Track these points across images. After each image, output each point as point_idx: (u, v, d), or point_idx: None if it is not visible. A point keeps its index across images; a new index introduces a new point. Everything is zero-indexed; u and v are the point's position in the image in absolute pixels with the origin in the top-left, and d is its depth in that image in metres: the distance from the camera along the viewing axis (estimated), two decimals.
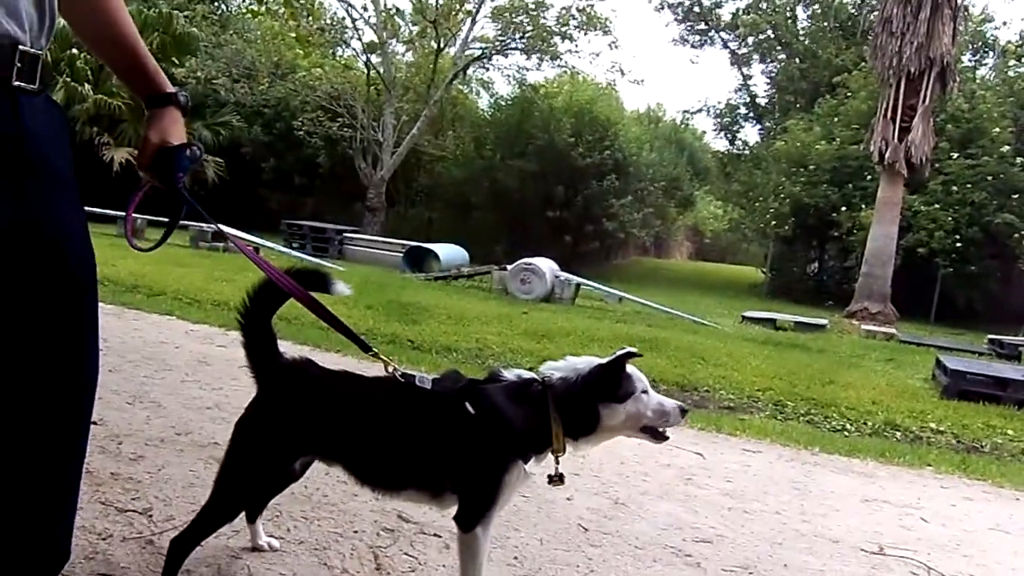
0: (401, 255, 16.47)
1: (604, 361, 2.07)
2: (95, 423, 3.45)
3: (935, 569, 3.09)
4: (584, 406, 2.04)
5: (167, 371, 4.79)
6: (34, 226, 1.50)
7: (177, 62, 21.79)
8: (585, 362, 2.10)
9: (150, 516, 2.66)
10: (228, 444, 2.09)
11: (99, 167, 17.42)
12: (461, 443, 2.00)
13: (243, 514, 2.39)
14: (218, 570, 2.35)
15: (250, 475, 2.09)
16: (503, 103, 26.14)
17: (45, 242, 1.52)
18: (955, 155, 18.22)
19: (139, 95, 1.82)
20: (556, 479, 2.14)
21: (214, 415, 3.93)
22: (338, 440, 2.10)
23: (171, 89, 1.82)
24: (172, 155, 1.79)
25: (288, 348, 2.47)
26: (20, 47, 1.44)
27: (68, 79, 18.87)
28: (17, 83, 1.45)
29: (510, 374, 2.14)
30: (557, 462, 2.11)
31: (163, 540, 2.34)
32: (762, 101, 32.41)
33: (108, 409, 3.78)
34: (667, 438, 2.16)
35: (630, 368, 2.07)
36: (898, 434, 5.86)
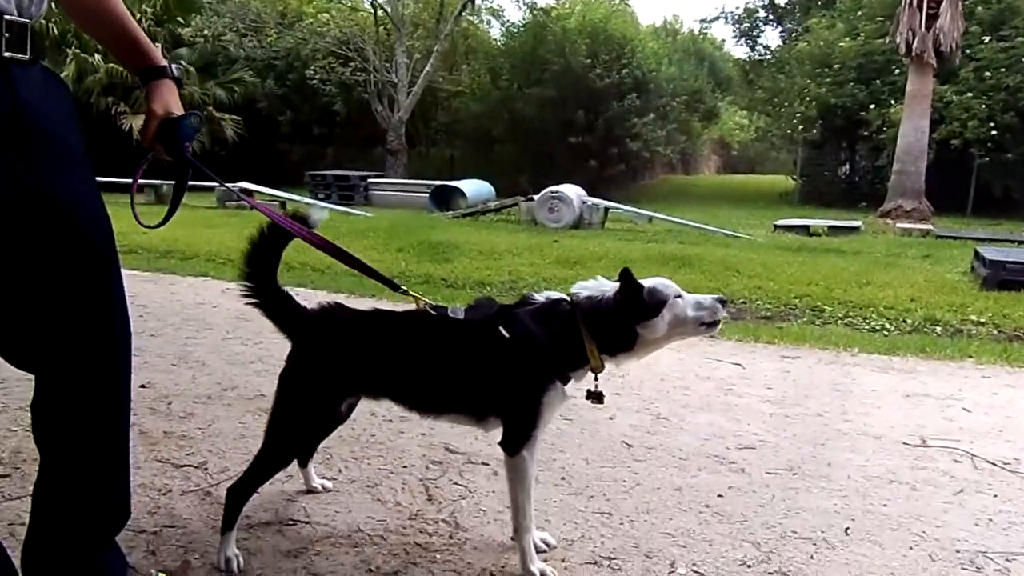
0: (427, 195, 16.47)
1: (620, 285, 2.05)
2: (143, 387, 3.58)
3: (978, 456, 3.11)
4: (618, 325, 2.04)
5: (208, 330, 4.90)
6: (48, 200, 1.53)
7: (183, 21, 21.64)
8: (614, 285, 2.08)
9: (205, 469, 2.76)
10: (275, 396, 2.14)
11: (119, 136, 17.48)
12: (498, 368, 2.03)
13: (295, 460, 2.47)
14: (276, 514, 2.44)
15: (300, 423, 2.15)
16: (515, 30, 25.58)
17: (60, 215, 1.55)
18: (986, 39, 17.45)
19: (132, 71, 1.83)
20: (595, 396, 2.16)
21: (258, 368, 4.03)
22: (380, 376, 2.15)
23: (164, 62, 1.84)
24: (176, 125, 1.82)
25: (323, 297, 2.51)
26: (6, 16, 1.44)
27: (77, 51, 18.83)
28: (7, 53, 1.44)
29: (540, 297, 2.15)
30: (596, 379, 2.13)
31: (220, 491, 2.43)
32: (781, 1, 31.30)
33: (154, 372, 3.89)
34: (718, 322, 2.12)
35: (654, 281, 2.06)
36: (938, 329, 5.81)
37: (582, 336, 2.04)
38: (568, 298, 2.11)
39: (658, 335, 2.06)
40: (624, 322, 2.03)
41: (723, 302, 2.11)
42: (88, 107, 18.24)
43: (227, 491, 2.15)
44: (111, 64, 18.33)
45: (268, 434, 2.15)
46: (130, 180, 1.95)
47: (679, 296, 2.07)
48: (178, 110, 1.83)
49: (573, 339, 2.04)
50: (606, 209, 13.51)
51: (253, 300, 2.15)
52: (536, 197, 13.22)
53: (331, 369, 2.11)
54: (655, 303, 2.03)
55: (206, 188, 13.71)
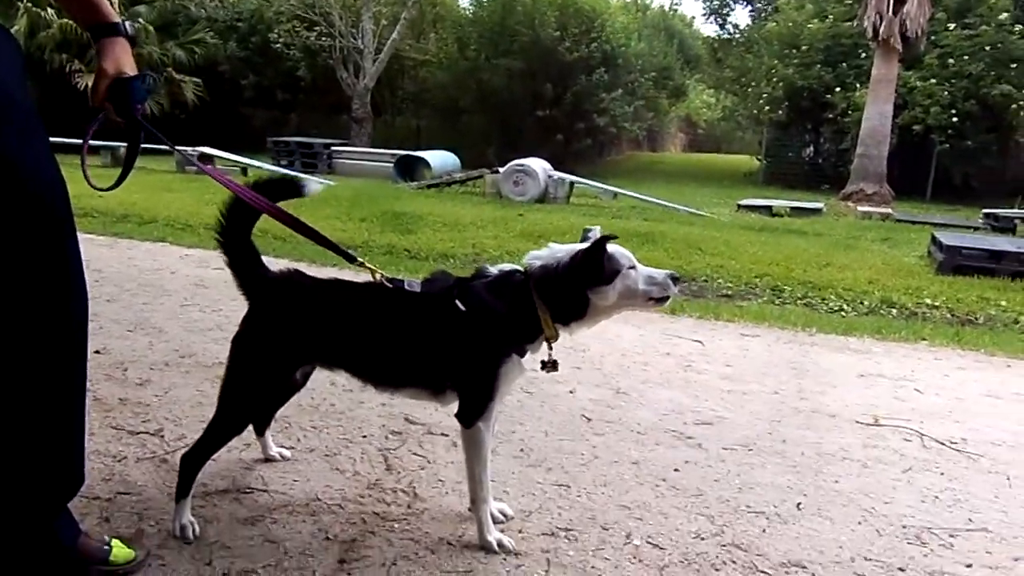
0: (392, 165, 16.29)
1: (583, 247, 2.05)
2: (98, 352, 3.51)
3: (927, 435, 3.20)
4: (570, 291, 2.04)
5: (165, 296, 4.81)
6: (9, 167, 1.48)
7: None
8: (567, 249, 2.08)
9: (161, 436, 2.73)
10: (228, 361, 2.12)
11: (73, 95, 16.96)
12: (454, 341, 2.03)
13: (251, 428, 2.45)
14: (233, 481, 2.42)
15: (252, 388, 2.13)
16: (484, 0, 25.28)
17: (21, 182, 1.51)
18: (952, 26, 17.66)
19: (83, 26, 1.78)
20: (549, 365, 2.16)
21: (216, 336, 3.97)
22: (335, 346, 2.13)
23: (117, 19, 1.78)
24: (128, 85, 1.77)
25: (285, 265, 2.47)
26: None
27: (29, 4, 18.18)
28: None
29: (494, 269, 2.14)
30: (550, 348, 2.13)
31: (176, 458, 2.39)
32: None
33: (110, 338, 3.82)
34: (667, 298, 2.11)
35: (612, 248, 2.05)
36: (894, 311, 5.93)
37: (535, 306, 2.04)
38: (521, 269, 2.11)
39: (608, 303, 2.06)
40: (577, 287, 2.03)
41: (675, 279, 2.11)
42: (41, 64, 17.64)
43: (181, 458, 2.13)
44: (65, 20, 17.72)
45: (221, 400, 2.13)
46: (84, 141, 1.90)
47: (633, 267, 2.07)
48: (131, 70, 1.77)
49: (528, 310, 2.04)
50: (571, 184, 13.50)
51: (222, 251, 2.12)
52: (502, 170, 13.16)
53: (285, 335, 2.09)
54: (610, 271, 2.03)
55: (166, 152, 13.32)
